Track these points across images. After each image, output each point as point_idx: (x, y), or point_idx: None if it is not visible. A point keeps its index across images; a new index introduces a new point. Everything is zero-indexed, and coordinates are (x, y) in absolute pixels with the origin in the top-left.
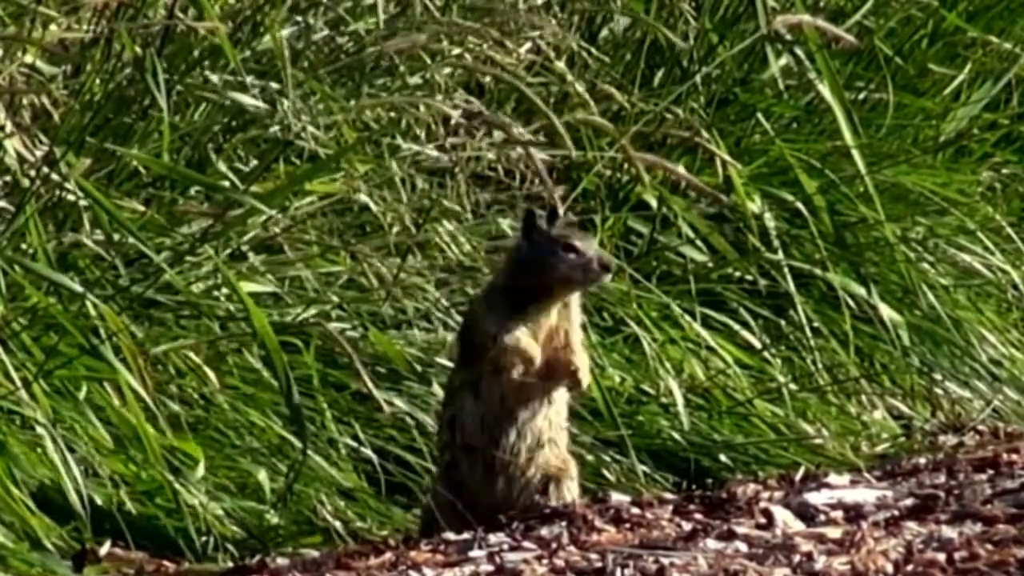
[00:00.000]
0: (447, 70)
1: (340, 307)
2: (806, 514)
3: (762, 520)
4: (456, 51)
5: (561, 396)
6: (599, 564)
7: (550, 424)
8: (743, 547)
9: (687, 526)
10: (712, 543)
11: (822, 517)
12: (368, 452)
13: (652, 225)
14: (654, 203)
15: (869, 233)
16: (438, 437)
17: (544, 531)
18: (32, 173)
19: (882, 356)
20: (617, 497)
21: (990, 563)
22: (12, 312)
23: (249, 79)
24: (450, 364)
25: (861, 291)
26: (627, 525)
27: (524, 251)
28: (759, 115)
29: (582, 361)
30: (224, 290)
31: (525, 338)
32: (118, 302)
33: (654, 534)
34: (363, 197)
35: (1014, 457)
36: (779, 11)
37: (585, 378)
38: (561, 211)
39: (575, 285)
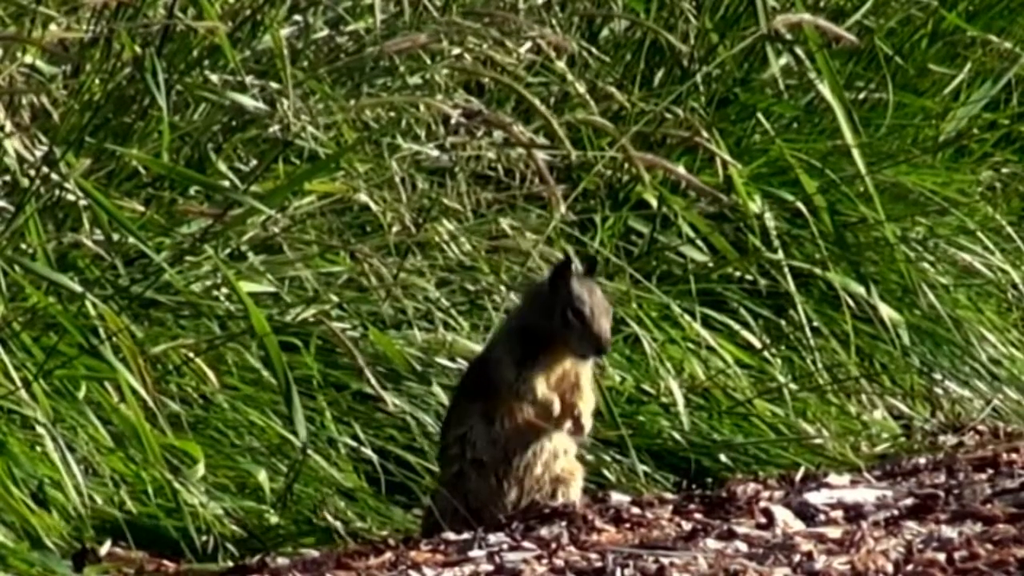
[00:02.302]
0: (447, 70)
1: (340, 307)
2: (806, 514)
3: (762, 520)
4: (456, 51)
5: None
6: (599, 564)
7: (564, 435)
8: (743, 547)
9: (687, 526)
10: (712, 543)
11: (822, 517)
12: (368, 452)
13: (652, 225)
14: (654, 203)
15: (869, 233)
16: (443, 449)
17: (544, 531)
18: (32, 173)
19: (882, 356)
20: (617, 497)
21: (990, 563)
22: (12, 312)
23: (249, 79)
24: (451, 364)
25: (861, 291)
26: (627, 525)
27: (544, 297)
28: (759, 115)
29: (587, 405)
30: (224, 290)
31: (543, 389)
32: (118, 302)
33: (654, 534)
34: (363, 197)
35: (1014, 457)
36: (779, 10)
37: (587, 424)
38: (563, 209)
39: (570, 348)
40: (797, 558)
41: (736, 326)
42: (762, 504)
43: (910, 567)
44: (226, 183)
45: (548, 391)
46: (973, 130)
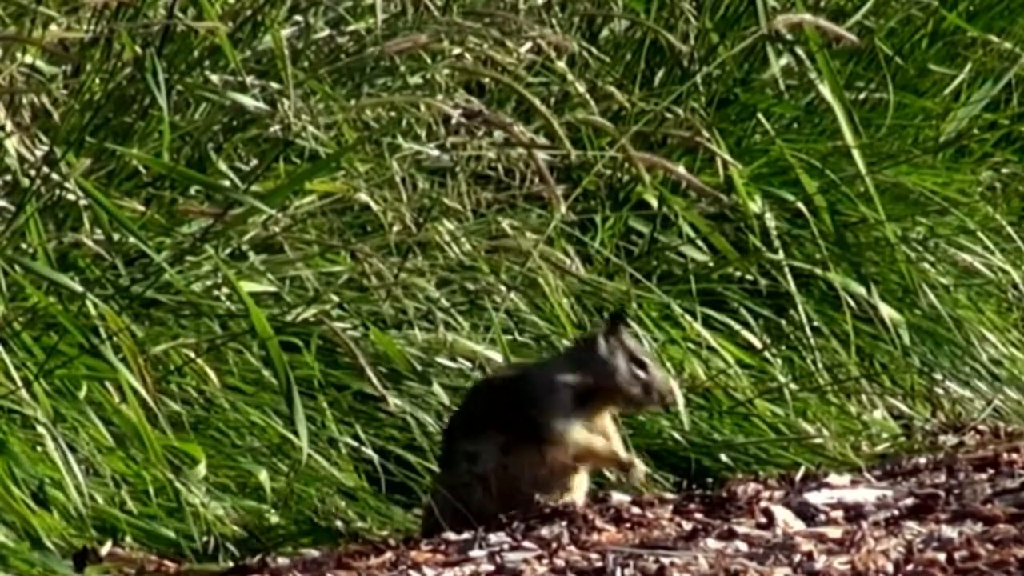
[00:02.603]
0: (447, 70)
1: (340, 307)
2: (806, 514)
3: (762, 520)
4: (456, 51)
5: None
6: (599, 564)
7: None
8: (743, 547)
9: (687, 526)
10: (712, 543)
11: (822, 517)
12: (369, 452)
13: (652, 225)
14: (654, 203)
15: (869, 233)
16: (448, 455)
17: (544, 531)
18: (32, 173)
19: (882, 356)
20: (617, 497)
21: (990, 563)
22: (12, 312)
23: (249, 79)
24: (451, 364)
25: (861, 291)
26: (627, 525)
27: (599, 351)
28: (759, 115)
29: (618, 445)
30: (224, 289)
31: (589, 436)
32: (118, 302)
33: (654, 534)
34: (363, 196)
35: (1014, 457)
36: (779, 11)
37: (638, 467)
38: (563, 209)
39: (633, 402)
40: (797, 558)
41: (736, 326)
42: (762, 504)
43: (910, 567)
44: (226, 183)
45: (589, 437)
46: (973, 130)
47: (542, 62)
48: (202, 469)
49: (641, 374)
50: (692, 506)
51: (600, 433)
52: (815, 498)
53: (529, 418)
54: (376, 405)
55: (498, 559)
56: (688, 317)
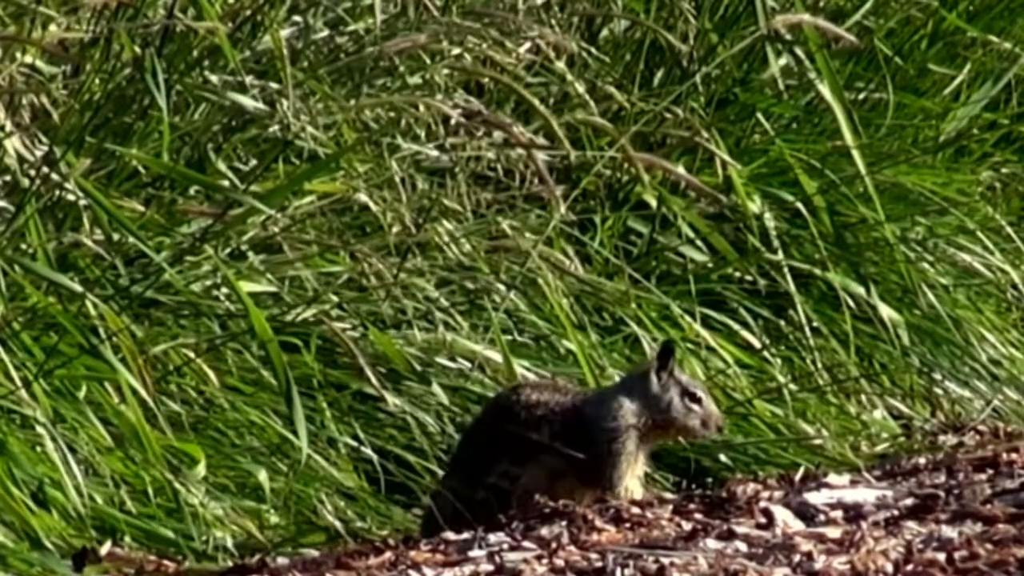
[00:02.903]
0: (446, 70)
1: (340, 307)
2: (806, 514)
3: (762, 520)
4: (456, 51)
5: None
6: (599, 564)
7: None
8: (743, 547)
9: (687, 526)
10: (712, 543)
11: (822, 517)
12: (368, 452)
13: (652, 225)
14: (654, 203)
15: (869, 233)
16: (475, 477)
17: (544, 531)
18: (32, 173)
19: (882, 356)
20: None
21: (990, 563)
22: (12, 312)
23: (249, 79)
24: (451, 364)
25: (861, 291)
26: (627, 525)
27: (654, 387)
28: (759, 115)
29: (639, 487)
30: (224, 290)
31: (639, 489)
32: (118, 302)
33: (654, 534)
34: (363, 197)
35: (1014, 457)
36: (779, 11)
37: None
38: (562, 209)
39: (689, 434)
40: (797, 558)
41: (736, 326)
42: (762, 504)
43: (910, 567)
44: (226, 183)
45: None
46: (973, 130)
47: (541, 62)
48: (201, 469)
49: (696, 408)
50: (692, 506)
51: (637, 472)
52: (815, 498)
53: (593, 463)
54: (376, 405)
55: (498, 559)
56: (687, 317)
